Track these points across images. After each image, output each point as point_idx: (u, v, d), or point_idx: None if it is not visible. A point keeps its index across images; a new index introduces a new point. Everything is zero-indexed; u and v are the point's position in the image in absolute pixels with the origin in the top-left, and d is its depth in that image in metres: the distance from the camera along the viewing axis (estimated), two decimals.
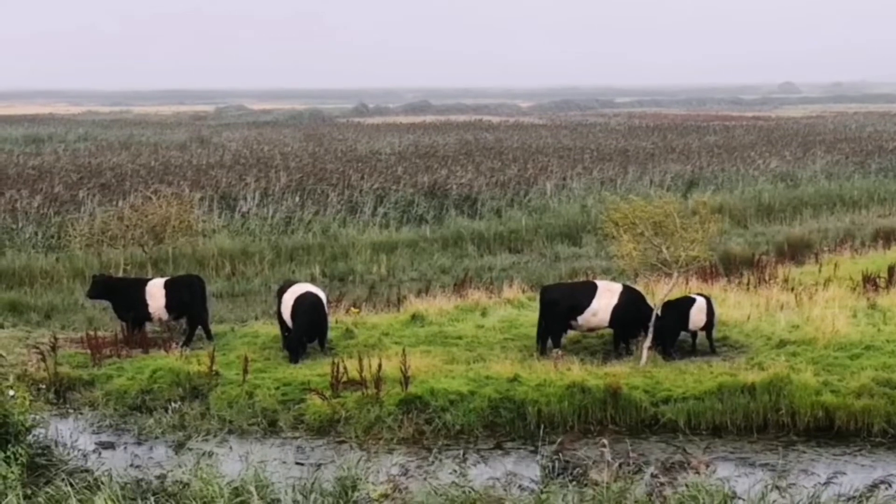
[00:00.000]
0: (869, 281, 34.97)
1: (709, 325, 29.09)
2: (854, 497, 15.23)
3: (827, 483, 15.75)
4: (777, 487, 15.74)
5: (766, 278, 36.68)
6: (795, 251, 45.77)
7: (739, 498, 15.56)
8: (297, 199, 55.72)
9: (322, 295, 30.01)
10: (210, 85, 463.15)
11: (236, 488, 16.13)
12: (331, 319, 31.09)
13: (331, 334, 30.14)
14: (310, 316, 28.93)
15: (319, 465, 19.09)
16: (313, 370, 27.02)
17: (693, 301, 29.22)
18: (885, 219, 58.56)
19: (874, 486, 15.58)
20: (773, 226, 56.44)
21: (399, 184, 60.19)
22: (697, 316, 28.87)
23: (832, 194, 64.81)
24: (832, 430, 24.20)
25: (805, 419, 24.41)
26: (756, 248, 48.12)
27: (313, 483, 16.38)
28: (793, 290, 34.14)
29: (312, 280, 38.74)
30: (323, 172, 65.05)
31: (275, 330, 30.09)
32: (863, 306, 32.18)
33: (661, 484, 16.27)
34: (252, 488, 15.83)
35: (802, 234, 51.41)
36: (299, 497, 16.13)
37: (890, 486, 15.70)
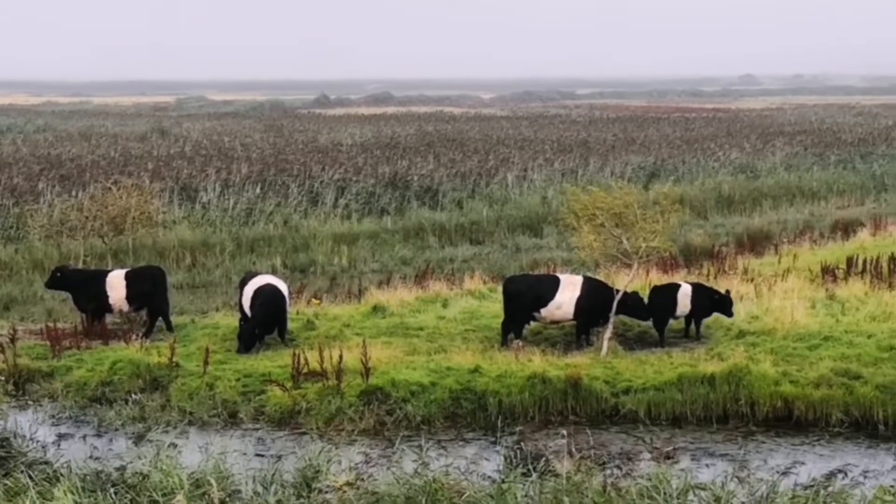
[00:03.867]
0: (828, 272, 35.14)
1: (695, 312, 29.27)
2: (812, 486, 15.32)
3: (785, 473, 15.83)
4: (737, 477, 15.80)
5: (726, 269, 36.81)
6: (755, 242, 45.97)
7: (699, 488, 15.59)
8: (258, 190, 55.61)
9: (283, 286, 29.95)
10: (171, 76, 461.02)
11: (197, 480, 16.08)
12: (292, 311, 31.06)
13: (291, 325, 30.10)
14: (267, 308, 28.88)
15: (280, 457, 19.06)
16: (274, 361, 26.99)
17: (676, 288, 29.47)
18: (843, 210, 58.95)
19: (832, 475, 15.68)
20: (733, 217, 56.71)
21: (360, 175, 60.16)
22: (683, 301, 29.07)
23: (791, 186, 65.16)
24: (791, 420, 24.34)
25: (764, 409, 24.55)
26: (716, 239, 48.32)
27: (274, 474, 16.35)
28: (752, 281, 34.29)
29: (273, 271, 38.70)
30: (284, 163, 64.92)
31: (235, 321, 30.02)
32: (821, 297, 32.36)
33: (622, 475, 16.32)
34: (212, 480, 15.78)
35: (762, 226, 51.69)
36: (260, 488, 16.10)
37: (847, 475, 15.81)
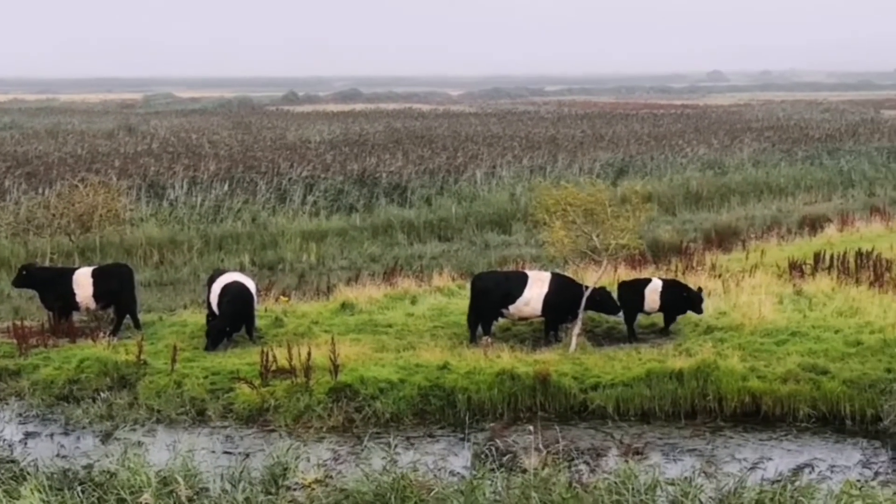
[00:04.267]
0: (795, 268, 35.28)
1: (665, 308, 29.32)
2: (779, 481, 15.38)
3: (753, 468, 15.91)
4: (704, 473, 15.85)
5: (694, 265, 36.91)
6: (723, 238, 46.09)
7: (668, 484, 15.63)
8: (226, 187, 55.38)
9: (250, 284, 29.88)
10: (138, 73, 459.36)
11: (164, 477, 16.05)
12: (260, 308, 31.01)
13: (260, 323, 30.05)
14: (234, 305, 28.82)
15: (248, 454, 19.04)
16: (242, 359, 26.92)
17: (645, 283, 29.55)
18: (811, 206, 59.19)
19: (799, 470, 15.75)
20: (701, 213, 56.84)
21: (329, 172, 59.98)
22: (652, 297, 29.13)
23: (759, 182, 65.36)
24: (759, 416, 24.42)
25: (732, 405, 24.63)
26: (684, 235, 48.44)
27: (242, 472, 16.32)
28: (720, 276, 34.41)
29: (241, 269, 38.59)
30: (252, 160, 64.72)
31: (203, 319, 29.93)
32: (789, 293, 32.49)
33: (590, 470, 16.35)
34: (180, 478, 15.74)
35: (730, 222, 51.84)
36: (228, 486, 16.07)
37: (814, 469, 15.88)
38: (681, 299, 29.36)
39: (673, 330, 29.38)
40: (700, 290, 29.67)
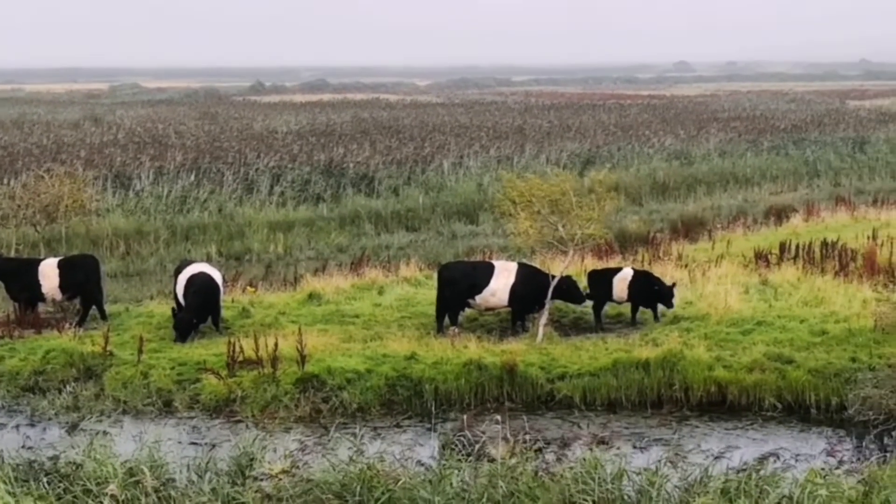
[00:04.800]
0: (761, 257, 35.43)
1: (633, 298, 29.37)
2: (744, 470, 15.45)
3: (719, 457, 15.96)
4: (670, 462, 15.90)
5: (661, 255, 37.03)
6: (689, 228, 46.25)
7: (634, 473, 15.68)
8: (193, 177, 55.24)
9: (217, 275, 29.82)
10: (104, 63, 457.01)
11: (130, 468, 15.99)
12: (227, 299, 30.95)
13: (226, 314, 29.99)
14: (200, 296, 28.77)
15: (215, 445, 19.00)
16: (209, 350, 26.86)
17: (614, 272, 29.61)
18: (776, 196, 59.47)
19: (764, 459, 15.82)
20: (668, 203, 57.05)
21: (296, 162, 59.92)
22: (620, 286, 29.19)
23: (725, 172, 65.62)
24: (724, 405, 24.55)
25: (698, 394, 24.74)
26: (651, 225, 48.57)
27: (208, 462, 16.29)
28: (686, 266, 34.52)
29: (208, 259, 38.55)
30: (219, 151, 64.56)
31: (170, 310, 29.82)
32: (755, 282, 32.63)
33: (557, 460, 16.38)
34: (146, 468, 15.70)
35: (696, 212, 52.04)
36: (194, 477, 16.04)
37: (779, 458, 15.95)
38: (650, 290, 29.41)
39: (640, 320, 29.45)
40: (674, 284, 29.64)
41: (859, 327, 27.22)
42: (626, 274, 29.57)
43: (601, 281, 29.59)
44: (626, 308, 29.90)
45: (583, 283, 29.90)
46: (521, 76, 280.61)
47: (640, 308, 29.61)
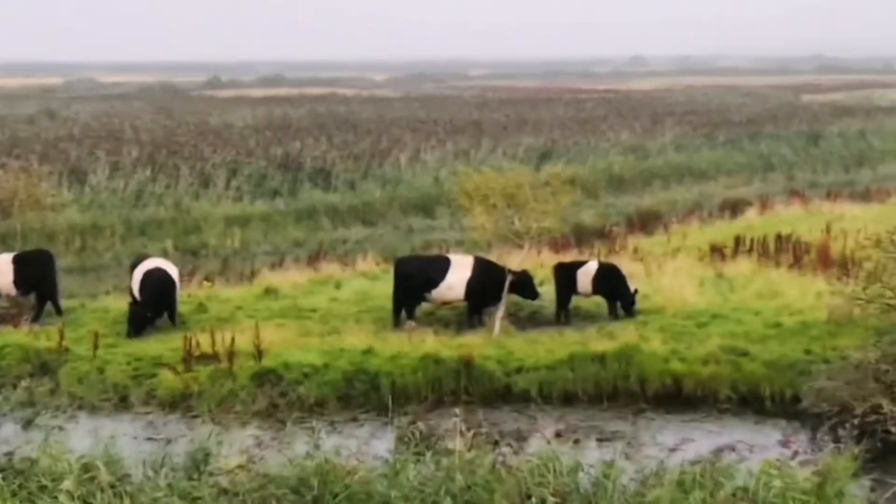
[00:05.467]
0: (716, 251, 35.63)
1: (598, 293, 29.40)
2: (699, 462, 15.53)
3: (674, 449, 16.03)
4: (626, 455, 15.97)
5: (617, 249, 37.19)
6: (645, 222, 46.46)
7: (590, 466, 15.74)
8: (149, 172, 54.97)
9: (172, 270, 29.74)
10: (59, 57, 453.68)
11: (86, 464, 15.91)
12: (183, 293, 30.85)
13: (183, 309, 29.89)
14: (156, 291, 28.68)
15: (171, 440, 18.94)
16: (165, 345, 26.79)
17: (579, 266, 29.65)
18: (731, 189, 59.82)
19: (719, 451, 15.90)
20: (624, 197, 57.29)
21: (252, 157, 59.74)
22: (583, 280, 29.23)
23: (681, 166, 65.94)
24: (680, 397, 24.68)
25: (654, 387, 24.87)
26: (607, 219, 48.80)
27: (164, 457, 16.23)
28: (642, 260, 34.66)
29: (165, 254, 38.40)
30: (175, 145, 64.28)
31: (126, 305, 29.69)
32: (710, 276, 32.80)
33: (513, 453, 16.41)
34: (101, 464, 15.63)
35: (652, 205, 52.32)
36: (150, 472, 15.97)
37: (734, 450, 16.03)
38: (616, 284, 29.38)
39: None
40: (636, 291, 29.58)
41: (813, 320, 27.42)
42: (591, 267, 29.60)
43: (566, 273, 29.63)
44: (582, 302, 29.95)
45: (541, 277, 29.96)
46: (477, 70, 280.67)
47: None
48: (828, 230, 37.67)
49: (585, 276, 29.38)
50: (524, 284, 29.10)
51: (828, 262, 33.42)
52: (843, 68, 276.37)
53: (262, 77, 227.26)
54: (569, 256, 34.28)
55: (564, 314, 29.46)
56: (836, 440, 21.33)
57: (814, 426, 22.72)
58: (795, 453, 16.50)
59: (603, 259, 32.44)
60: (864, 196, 52.01)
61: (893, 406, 22.09)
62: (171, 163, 57.26)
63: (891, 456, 21.07)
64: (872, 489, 17.24)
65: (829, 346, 25.50)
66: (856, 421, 21.83)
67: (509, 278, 28.45)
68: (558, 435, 17.02)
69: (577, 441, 16.81)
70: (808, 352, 25.44)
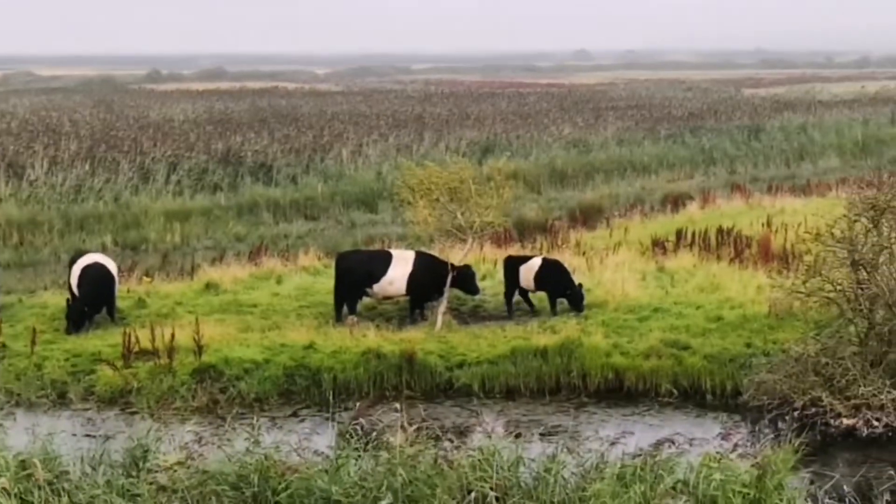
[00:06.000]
0: (658, 244, 35.78)
1: (541, 288, 29.37)
2: (640, 455, 15.56)
3: (614, 443, 16.05)
4: (568, 449, 15.96)
5: (559, 243, 37.27)
6: (587, 216, 46.58)
7: (531, 460, 15.72)
8: (88, 166, 54.44)
9: (111, 265, 29.50)
10: None
11: (23, 461, 15.73)
12: (122, 289, 30.61)
13: (122, 304, 29.66)
14: (94, 287, 28.44)
15: (109, 437, 18.76)
16: (104, 341, 26.57)
17: (525, 260, 29.63)
18: (673, 183, 60.04)
19: (659, 444, 15.94)
20: (566, 191, 57.38)
21: (193, 151, 59.33)
22: (526, 275, 29.21)
23: (623, 160, 66.08)
24: (622, 391, 24.76)
25: (596, 381, 24.93)
26: (549, 213, 48.86)
27: (102, 454, 16.07)
28: (584, 254, 34.75)
29: (103, 249, 38.10)
30: (114, 139, 63.76)
31: (64, 300, 29.41)
32: (652, 269, 32.93)
33: (455, 448, 16.37)
34: (38, 461, 15.45)
35: (594, 199, 52.38)
36: (88, 469, 15.81)
37: (674, 443, 16.07)
38: (558, 280, 29.35)
39: (537, 307, 29.55)
40: (580, 285, 29.54)
41: (754, 313, 27.58)
42: (534, 263, 29.58)
43: (511, 267, 29.63)
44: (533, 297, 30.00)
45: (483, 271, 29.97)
46: (420, 64, 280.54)
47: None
48: (769, 224, 37.91)
49: (528, 272, 29.39)
50: (466, 279, 29.08)
51: (769, 255, 33.63)
52: (784, 62, 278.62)
53: (203, 70, 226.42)
54: (511, 251, 34.29)
55: (507, 308, 29.48)
56: (777, 433, 21.45)
57: (754, 419, 22.85)
58: (735, 446, 16.58)
59: (548, 254, 32.46)
60: (805, 190, 52.35)
61: (833, 399, 22.29)
62: (110, 157, 56.75)
63: (830, 448, 21.30)
64: (812, 482, 17.31)
65: (770, 339, 25.66)
66: (796, 414, 22.06)
67: (451, 273, 28.42)
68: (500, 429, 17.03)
69: (518, 435, 16.82)
70: (748, 345, 25.59)
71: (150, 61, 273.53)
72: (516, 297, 29.76)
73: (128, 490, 15.11)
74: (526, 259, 30.06)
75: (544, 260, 29.97)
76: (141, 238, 43.98)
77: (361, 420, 17.55)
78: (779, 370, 23.14)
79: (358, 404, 22.17)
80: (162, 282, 33.21)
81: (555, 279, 29.29)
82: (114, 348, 25.55)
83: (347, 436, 16.84)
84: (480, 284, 30.14)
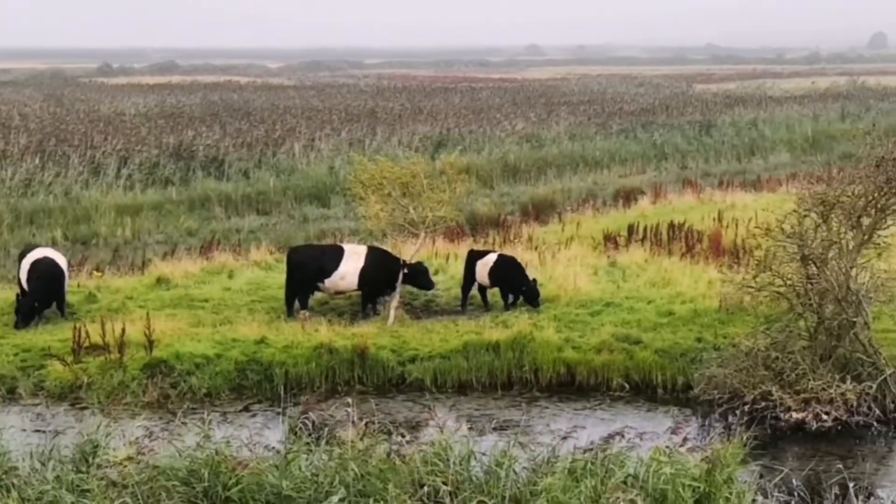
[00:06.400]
0: (609, 239, 35.87)
1: (496, 284, 29.37)
2: (591, 449, 15.61)
3: (566, 437, 16.08)
4: (520, 443, 15.99)
5: (511, 238, 37.28)
6: (540, 211, 46.66)
7: (483, 454, 15.74)
8: (38, 160, 54.03)
9: (61, 259, 29.30)
10: None
11: None
12: (73, 283, 30.42)
13: (72, 299, 29.47)
14: (44, 281, 28.24)
15: (59, 432, 18.69)
16: (54, 336, 26.41)
17: (482, 255, 29.62)
18: (625, 178, 60.21)
19: (610, 438, 16.00)
20: (519, 186, 57.39)
21: (144, 145, 59.00)
22: (481, 270, 29.21)
23: (575, 155, 66.16)
24: (574, 386, 24.83)
25: (548, 375, 25.00)
26: (502, 208, 48.93)
27: (52, 450, 15.98)
28: (536, 249, 34.78)
29: (54, 244, 37.84)
30: (64, 133, 63.26)
31: (13, 295, 29.20)
32: (604, 264, 33.01)
33: (407, 442, 16.38)
34: None
35: (546, 194, 52.45)
36: (37, 464, 15.72)
37: (625, 437, 16.13)
38: (512, 276, 29.35)
39: (491, 302, 29.56)
40: (534, 280, 29.55)
41: (705, 308, 27.72)
42: (490, 259, 29.57)
43: (471, 262, 29.63)
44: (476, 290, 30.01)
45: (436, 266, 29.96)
46: (373, 59, 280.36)
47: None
48: (720, 219, 38.06)
49: (484, 268, 29.39)
50: (419, 275, 29.03)
51: (719, 250, 33.80)
52: (735, 58, 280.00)
53: (155, 64, 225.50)
54: (464, 245, 34.31)
55: (462, 301, 29.49)
56: (727, 427, 21.60)
57: (704, 413, 23.00)
58: (685, 440, 16.66)
59: (502, 250, 32.47)
60: (756, 185, 52.60)
61: (782, 393, 22.44)
62: (60, 151, 56.35)
63: (780, 442, 21.44)
64: (761, 475, 17.44)
65: (720, 334, 25.82)
66: (746, 408, 22.18)
67: (403, 269, 28.41)
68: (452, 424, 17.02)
69: (470, 429, 16.84)
70: (699, 340, 25.73)
71: (100, 55, 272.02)
72: (474, 291, 29.78)
73: (77, 486, 15.02)
74: (483, 254, 30.06)
75: (499, 256, 29.95)
76: (91, 232, 43.67)
77: (310, 414, 17.55)
78: (729, 364, 23.28)
79: (306, 398, 22.13)
80: (113, 276, 33.01)
81: (509, 275, 29.30)
82: (64, 343, 25.40)
83: (297, 430, 16.83)
84: (432, 279, 30.12)
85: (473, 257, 29.78)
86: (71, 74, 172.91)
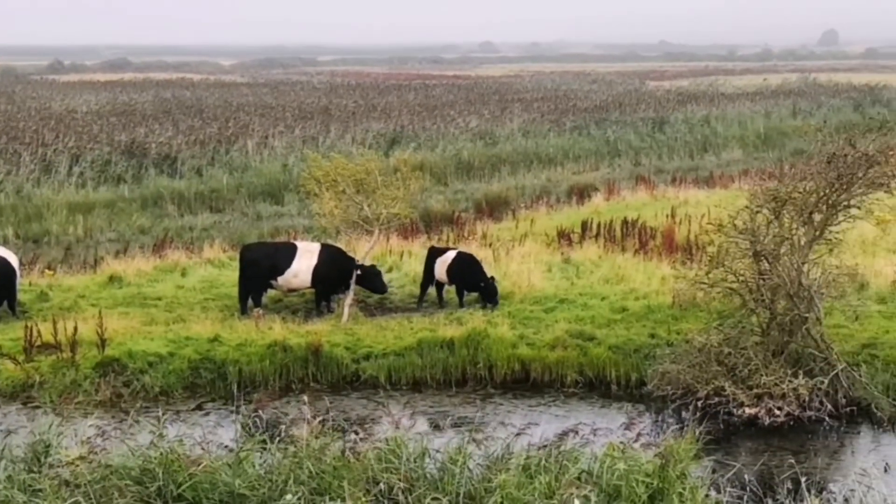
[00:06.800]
0: (563, 236, 35.94)
1: (453, 282, 29.35)
2: (545, 446, 15.64)
3: (520, 434, 16.11)
4: (474, 440, 16.00)
5: (465, 235, 37.32)
6: (494, 208, 46.72)
7: (438, 451, 15.75)
8: None
9: (12, 257, 29.09)
10: None
11: None
12: (24, 282, 30.22)
13: (24, 297, 29.28)
14: None
15: (11, 432, 18.54)
16: (5, 334, 26.22)
17: (441, 253, 29.60)
18: (579, 175, 60.31)
19: (564, 434, 16.04)
20: (473, 183, 57.39)
21: (96, 143, 58.62)
22: (440, 268, 29.20)
23: (529, 152, 66.21)
24: (528, 382, 24.87)
25: (502, 372, 25.03)
26: (456, 205, 48.92)
27: (3, 449, 15.87)
28: (491, 245, 34.82)
29: (4, 242, 37.60)
30: (15, 131, 62.81)
31: None
32: (557, 261, 33.09)
33: (361, 440, 16.36)
34: None
35: (500, 191, 52.46)
36: None
37: (579, 433, 16.18)
38: (469, 274, 29.33)
39: (445, 299, 29.59)
40: (493, 278, 29.53)
41: (658, 304, 27.84)
42: (448, 256, 29.56)
43: (430, 259, 29.63)
44: (431, 288, 30.01)
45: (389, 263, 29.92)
46: (326, 56, 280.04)
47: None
48: (673, 215, 38.24)
49: (442, 265, 29.41)
50: (371, 278, 28.97)
51: (673, 246, 33.94)
52: (688, 55, 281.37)
53: (107, 61, 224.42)
54: (418, 243, 34.30)
55: (419, 298, 29.48)
56: (680, 422, 21.67)
57: (658, 409, 23.07)
58: (639, 436, 16.72)
59: (461, 247, 32.47)
60: (708, 181, 52.87)
61: (735, 388, 22.54)
62: (11, 148, 55.94)
63: (733, 437, 21.56)
64: (714, 470, 17.51)
65: (674, 329, 25.93)
66: (699, 403, 22.27)
67: (357, 271, 28.36)
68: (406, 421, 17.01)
69: (424, 427, 16.84)
70: (652, 336, 25.83)
71: (52, 52, 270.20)
72: (431, 289, 29.80)
73: (29, 485, 14.92)
74: (442, 251, 30.05)
75: (458, 254, 29.94)
76: (43, 230, 43.38)
77: (261, 412, 17.52)
78: (682, 360, 23.36)
79: (257, 396, 22.09)
80: (65, 275, 32.82)
81: (467, 273, 29.29)
82: (15, 342, 25.22)
83: (249, 428, 16.78)
84: (386, 277, 30.13)
85: (433, 254, 29.79)
86: (22, 72, 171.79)
